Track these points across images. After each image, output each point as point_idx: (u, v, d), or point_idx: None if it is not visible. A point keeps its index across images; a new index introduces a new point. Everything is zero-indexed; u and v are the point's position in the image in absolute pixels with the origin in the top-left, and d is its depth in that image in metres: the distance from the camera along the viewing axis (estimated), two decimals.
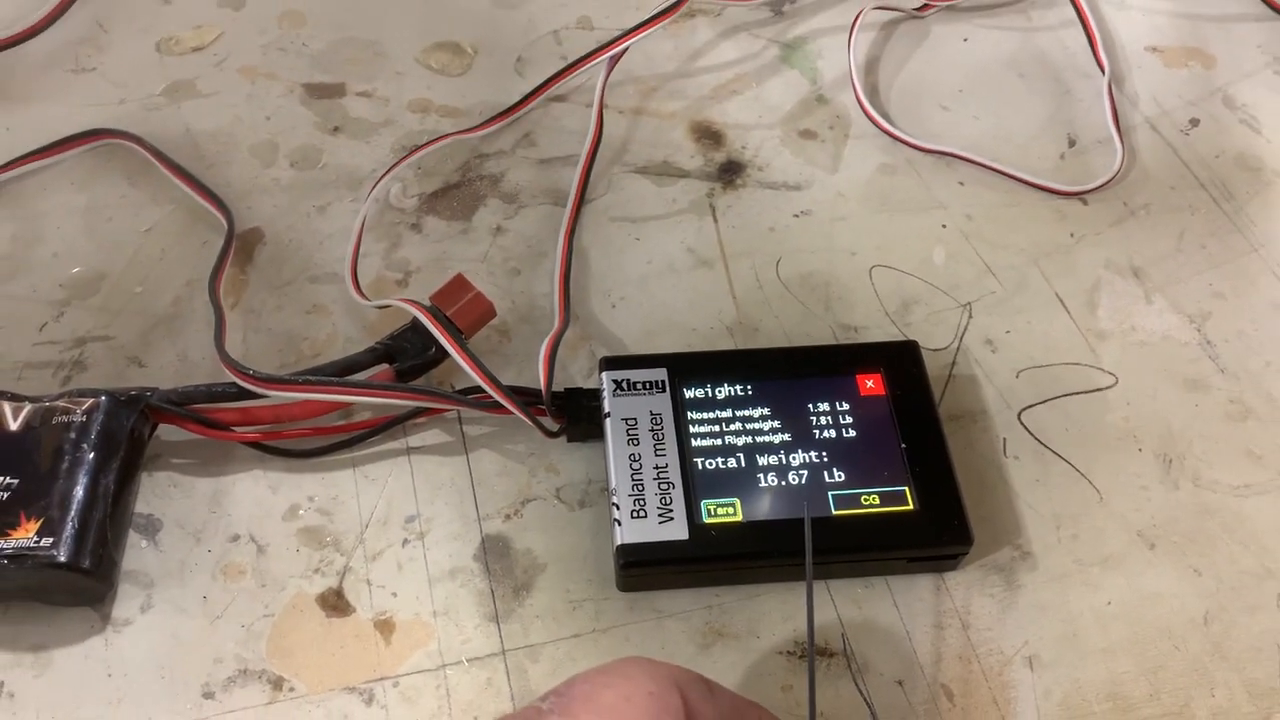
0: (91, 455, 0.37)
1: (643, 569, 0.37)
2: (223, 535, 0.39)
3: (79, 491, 0.36)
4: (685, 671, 0.29)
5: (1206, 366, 0.44)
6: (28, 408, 0.37)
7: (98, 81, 0.52)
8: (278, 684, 0.36)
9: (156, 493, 0.40)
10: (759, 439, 0.39)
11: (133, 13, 0.54)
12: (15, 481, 0.36)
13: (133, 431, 0.38)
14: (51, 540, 0.35)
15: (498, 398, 0.39)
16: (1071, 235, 0.48)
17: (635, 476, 0.38)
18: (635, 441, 0.39)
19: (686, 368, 0.40)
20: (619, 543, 0.36)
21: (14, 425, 0.37)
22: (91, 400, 0.38)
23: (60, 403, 0.38)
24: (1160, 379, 0.44)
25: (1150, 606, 0.38)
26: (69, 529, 0.35)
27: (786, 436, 0.39)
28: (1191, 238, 0.48)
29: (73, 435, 0.37)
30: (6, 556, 0.34)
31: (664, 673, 0.28)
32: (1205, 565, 0.39)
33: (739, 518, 0.37)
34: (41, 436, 0.37)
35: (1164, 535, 0.40)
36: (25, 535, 0.35)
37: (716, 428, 0.39)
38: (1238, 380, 0.44)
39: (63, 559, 0.35)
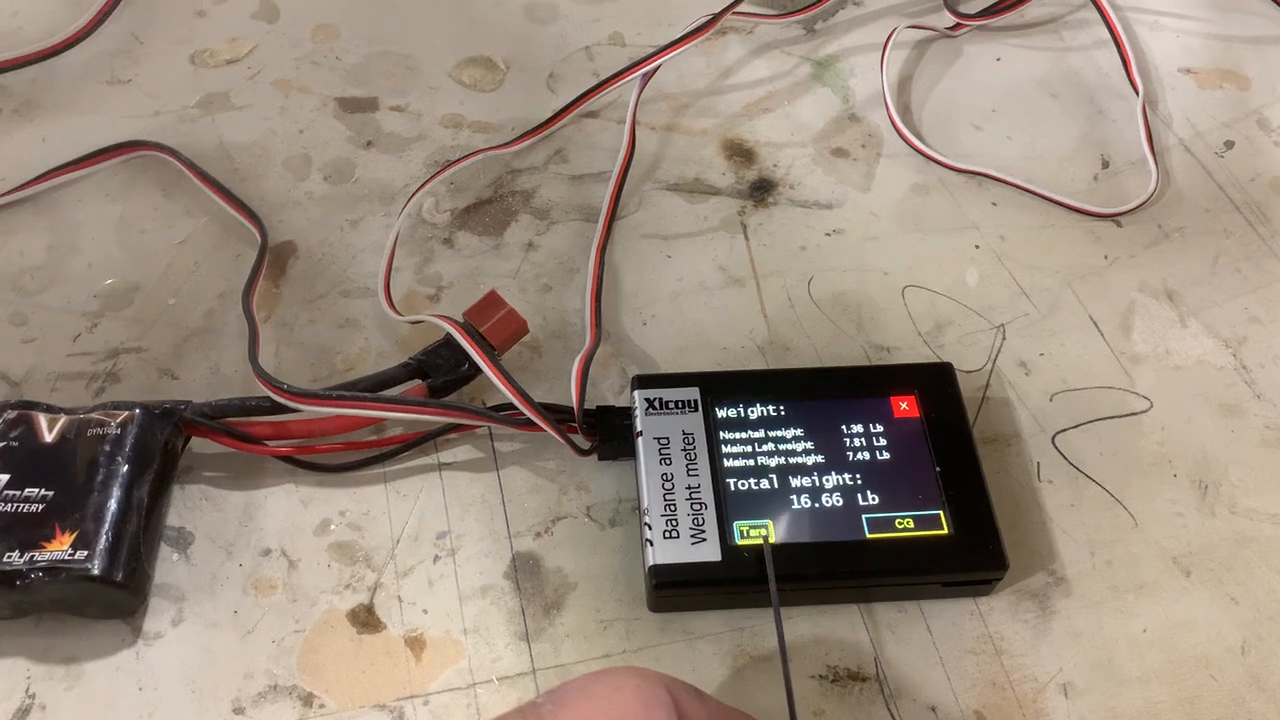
0: (126, 468, 0.37)
1: (675, 590, 0.37)
2: (254, 549, 0.39)
3: (113, 504, 0.36)
4: (673, 677, 0.30)
5: (1242, 392, 0.44)
6: (63, 419, 0.38)
7: (133, 93, 0.52)
8: (308, 700, 0.36)
9: (188, 505, 0.40)
10: (792, 460, 0.39)
11: (168, 25, 0.55)
12: (50, 493, 0.36)
13: (166, 444, 0.38)
14: (86, 553, 0.35)
15: (530, 415, 0.39)
16: (1105, 257, 0.48)
17: (667, 496, 0.38)
18: (667, 461, 0.38)
19: (719, 387, 0.40)
20: (651, 563, 0.36)
21: (49, 437, 0.37)
22: (126, 413, 0.38)
23: (95, 415, 0.38)
24: (1195, 404, 0.43)
25: (1186, 635, 0.38)
26: (103, 542, 0.35)
27: (820, 458, 0.39)
28: (1226, 261, 0.48)
29: (107, 448, 0.37)
30: (41, 569, 0.34)
31: (652, 673, 0.30)
32: (1242, 594, 0.39)
33: (772, 539, 0.37)
34: (77, 448, 0.37)
35: (1200, 563, 0.39)
36: (60, 547, 0.35)
37: (749, 448, 0.39)
38: (1274, 406, 0.43)
39: (96, 572, 0.35)
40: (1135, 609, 0.38)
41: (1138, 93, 0.53)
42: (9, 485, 0.36)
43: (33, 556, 0.35)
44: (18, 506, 0.35)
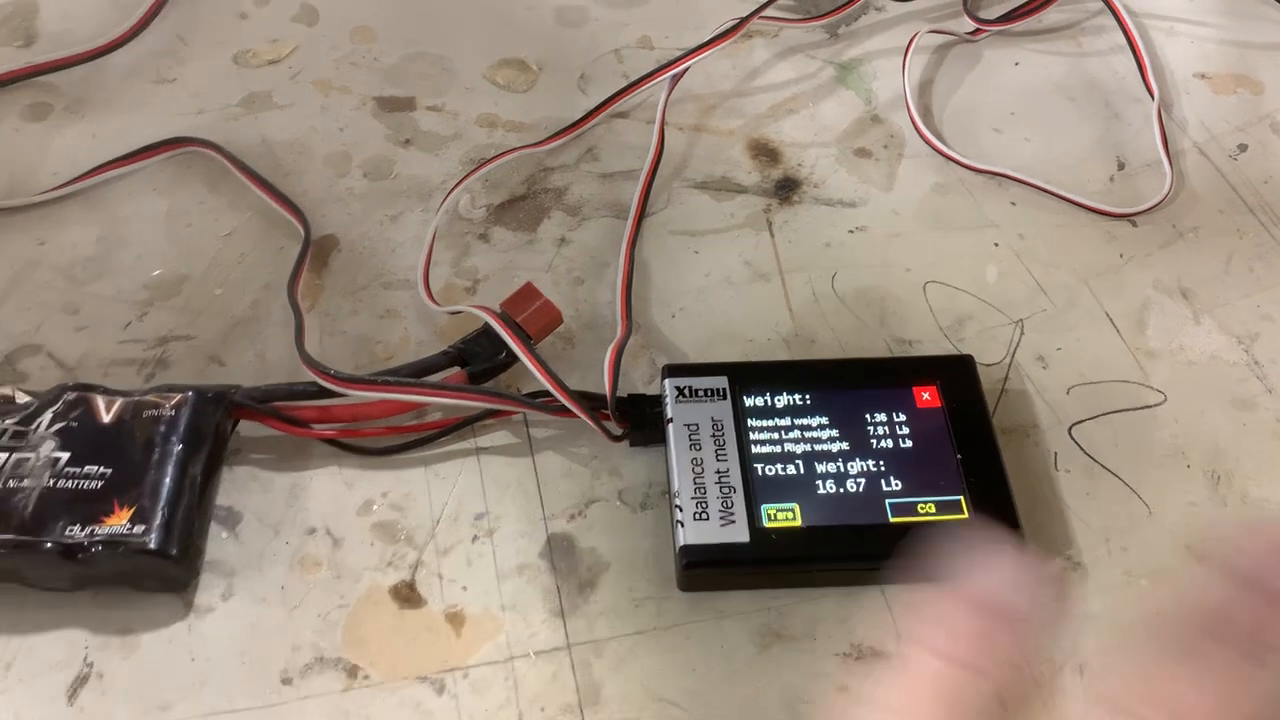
0: (180, 448, 0.38)
1: (704, 569, 0.38)
2: (300, 528, 0.40)
3: (168, 482, 0.38)
4: None
5: (1254, 386, 0.45)
6: (120, 401, 0.39)
7: (178, 92, 0.54)
8: (352, 672, 0.37)
9: (237, 486, 0.41)
10: (818, 447, 0.40)
11: (211, 27, 0.57)
12: (109, 471, 0.37)
13: (218, 426, 0.40)
14: (143, 528, 0.36)
15: (564, 401, 0.40)
16: (1121, 256, 0.49)
17: (697, 480, 0.39)
18: (697, 446, 0.40)
19: (747, 376, 0.42)
20: (682, 543, 0.38)
21: (107, 418, 0.39)
22: (180, 396, 0.39)
23: (150, 397, 0.39)
24: (1208, 398, 0.45)
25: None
26: (159, 517, 0.37)
27: (845, 445, 0.40)
28: (1239, 260, 0.49)
29: (162, 428, 0.39)
30: (101, 542, 0.36)
31: None
32: None
33: (798, 522, 0.38)
34: (133, 429, 0.39)
35: (1213, 550, 0.41)
36: (119, 522, 0.36)
37: (776, 435, 0.40)
38: None
39: (153, 546, 0.36)
40: (1149, 593, 0.40)
41: (1153, 97, 0.55)
42: (70, 463, 0.38)
43: (93, 530, 0.36)
44: (78, 483, 0.37)
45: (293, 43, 0.56)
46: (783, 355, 0.46)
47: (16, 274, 0.47)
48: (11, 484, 0.37)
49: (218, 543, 0.40)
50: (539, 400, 0.41)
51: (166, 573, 0.38)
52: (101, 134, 0.52)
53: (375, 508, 0.41)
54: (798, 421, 0.41)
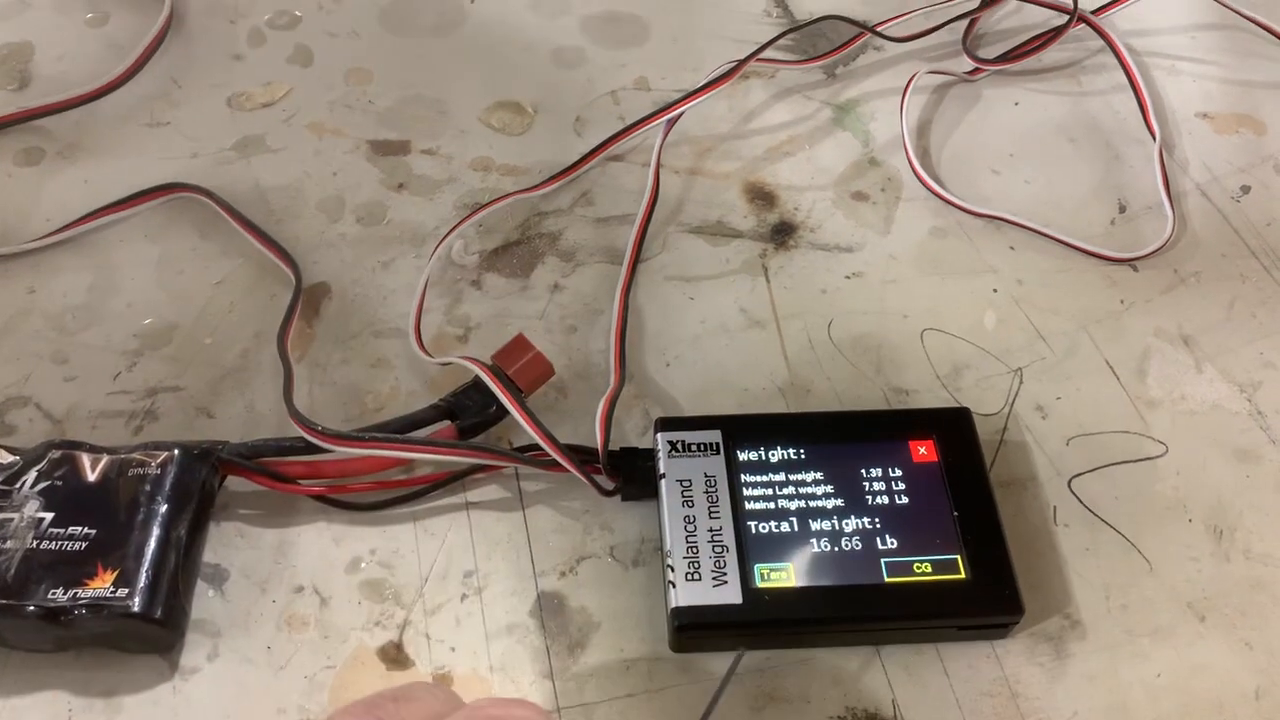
0: (165, 507, 0.38)
1: (697, 632, 0.38)
2: (287, 586, 0.40)
3: (153, 543, 0.37)
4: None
5: (1258, 437, 0.44)
6: (105, 459, 0.39)
7: (172, 136, 0.54)
8: None
9: (224, 543, 0.41)
10: (812, 504, 0.39)
11: (206, 69, 0.56)
12: (93, 532, 0.37)
13: (204, 484, 0.39)
14: (126, 591, 0.36)
15: (555, 456, 0.40)
16: (1122, 302, 0.49)
17: (690, 539, 0.38)
18: (690, 503, 0.39)
19: (741, 430, 0.41)
20: (674, 605, 0.37)
21: (92, 476, 0.38)
22: (166, 454, 0.39)
23: (136, 455, 0.39)
24: (1211, 449, 0.44)
25: (1200, 679, 0.38)
26: (143, 580, 0.36)
27: (839, 502, 0.39)
28: (1242, 306, 0.49)
29: (148, 487, 0.38)
30: (84, 606, 0.36)
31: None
32: (1257, 639, 0.39)
33: (792, 583, 0.38)
34: (118, 488, 0.38)
35: (1215, 608, 0.40)
36: (102, 585, 0.36)
37: (770, 491, 0.40)
38: None
39: (137, 609, 0.36)
40: (1150, 653, 0.39)
41: (1154, 137, 0.54)
42: (54, 523, 0.37)
43: (75, 594, 0.36)
44: (62, 544, 0.37)
45: (287, 85, 0.56)
46: (778, 405, 0.45)
47: (6, 323, 0.47)
48: None
49: (204, 601, 0.39)
50: (529, 454, 0.41)
51: (150, 635, 0.37)
52: (94, 179, 0.51)
53: (363, 565, 0.40)
54: (792, 477, 0.40)
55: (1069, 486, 0.43)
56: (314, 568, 0.40)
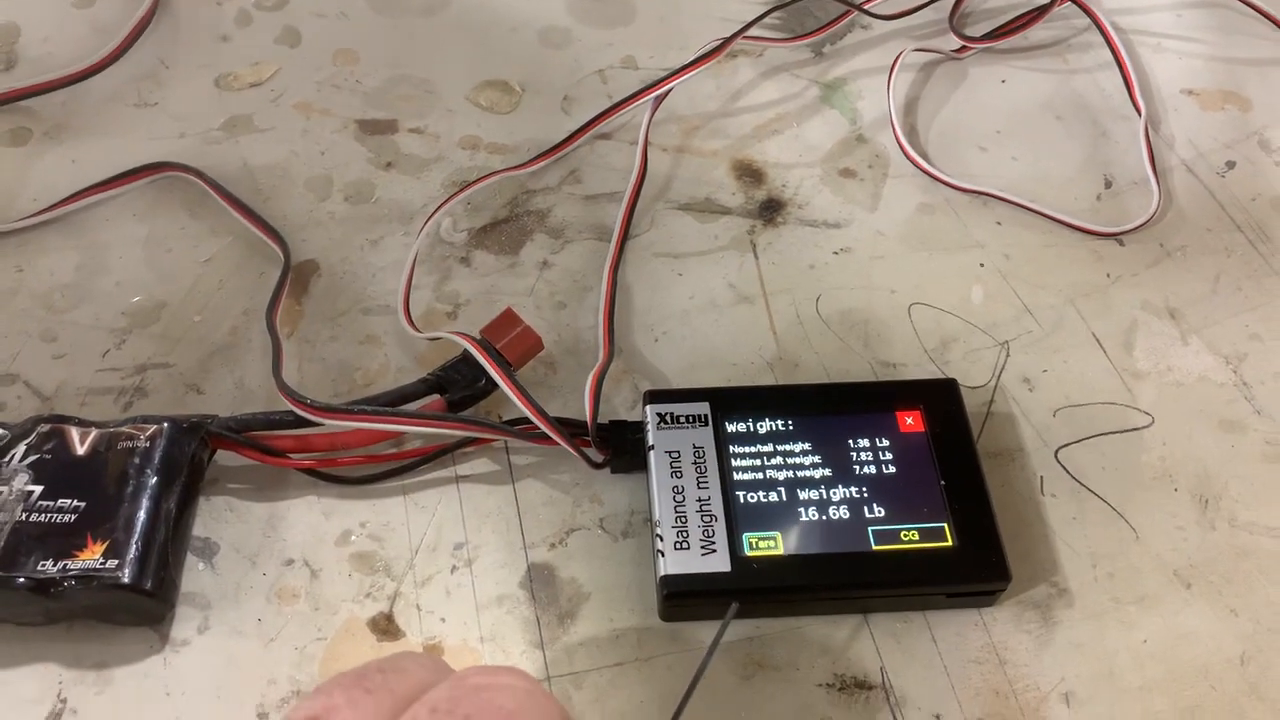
0: (154, 480, 0.38)
1: (686, 600, 0.38)
2: (277, 559, 0.40)
3: (142, 515, 0.37)
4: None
5: (1243, 408, 0.45)
6: (94, 433, 0.39)
7: (159, 116, 0.54)
8: None
9: (214, 516, 0.41)
10: (800, 474, 0.40)
11: (193, 50, 0.56)
12: (83, 504, 0.37)
13: (193, 457, 0.39)
14: (116, 562, 0.36)
15: (544, 429, 0.40)
16: (1108, 276, 0.49)
17: (678, 509, 0.39)
18: (678, 474, 0.39)
19: (729, 402, 0.41)
20: (663, 574, 0.37)
21: (81, 450, 0.38)
22: (155, 427, 0.39)
23: (125, 429, 0.39)
24: (1196, 420, 0.44)
25: (1187, 646, 0.39)
26: (133, 551, 0.36)
27: (827, 471, 0.40)
28: (1227, 280, 0.49)
29: (137, 460, 0.38)
30: (74, 577, 0.36)
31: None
32: (1242, 606, 0.40)
33: (780, 551, 0.38)
34: (108, 461, 0.38)
35: (1201, 575, 0.40)
36: (92, 556, 0.36)
37: (758, 462, 0.40)
38: (1274, 422, 0.44)
39: (127, 580, 0.36)
40: (1136, 620, 0.39)
41: (1140, 114, 0.54)
42: (43, 496, 0.37)
43: (65, 565, 0.36)
44: (51, 516, 0.37)
45: (274, 65, 0.56)
46: (766, 379, 0.45)
47: None
48: None
49: (194, 574, 0.39)
50: (519, 427, 0.41)
51: (141, 607, 0.37)
52: (81, 159, 0.51)
53: (353, 538, 0.40)
54: (780, 448, 0.40)
55: (1056, 457, 0.43)
56: (304, 541, 0.40)
